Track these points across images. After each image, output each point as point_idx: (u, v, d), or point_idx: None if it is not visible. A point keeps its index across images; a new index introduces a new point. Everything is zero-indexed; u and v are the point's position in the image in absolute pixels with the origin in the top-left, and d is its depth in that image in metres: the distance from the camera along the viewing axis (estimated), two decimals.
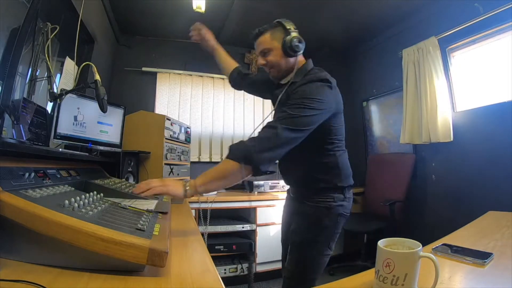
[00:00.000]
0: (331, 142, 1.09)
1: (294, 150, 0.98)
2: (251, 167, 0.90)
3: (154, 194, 0.85)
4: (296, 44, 1.10)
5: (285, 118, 0.93)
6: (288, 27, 1.11)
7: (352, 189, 1.19)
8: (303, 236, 1.11)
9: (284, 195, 1.38)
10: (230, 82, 1.45)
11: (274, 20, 1.19)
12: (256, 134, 0.97)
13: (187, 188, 0.88)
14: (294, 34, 1.11)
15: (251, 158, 0.89)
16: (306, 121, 0.95)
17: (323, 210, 1.09)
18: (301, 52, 1.14)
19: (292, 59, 1.13)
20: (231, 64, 1.45)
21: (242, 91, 1.51)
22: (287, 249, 1.16)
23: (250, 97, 3.18)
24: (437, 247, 0.80)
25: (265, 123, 1.00)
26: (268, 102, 3.44)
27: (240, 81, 1.40)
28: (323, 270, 1.12)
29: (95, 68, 1.18)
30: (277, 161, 1.12)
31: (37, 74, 1.40)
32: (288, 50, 1.09)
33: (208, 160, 2.97)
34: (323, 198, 1.11)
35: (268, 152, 0.91)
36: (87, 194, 0.77)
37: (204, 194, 0.90)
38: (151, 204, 0.97)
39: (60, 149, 1.32)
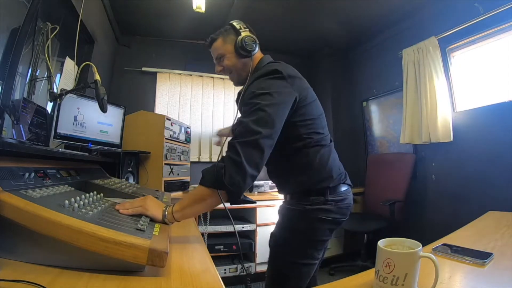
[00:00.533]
0: (298, 139, 0.97)
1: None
2: (225, 192, 0.80)
3: (133, 214, 0.74)
4: (248, 43, 1.03)
5: (241, 133, 0.82)
6: (238, 27, 1.04)
7: (341, 189, 1.05)
8: (276, 241, 1.03)
9: None
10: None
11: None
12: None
13: (166, 213, 0.79)
14: (244, 33, 1.04)
15: (222, 183, 0.78)
16: (265, 125, 0.82)
17: (296, 213, 0.99)
18: (256, 51, 1.06)
19: (248, 60, 1.06)
20: None
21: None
22: None
23: None
24: (437, 247, 0.80)
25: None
26: None
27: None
28: (306, 280, 0.98)
29: (95, 68, 1.18)
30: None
31: (37, 74, 1.40)
32: (240, 50, 1.03)
33: (208, 160, 2.97)
34: (298, 201, 1.00)
35: (237, 174, 0.79)
36: (87, 194, 0.77)
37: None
38: None
39: (60, 149, 1.32)
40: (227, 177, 0.77)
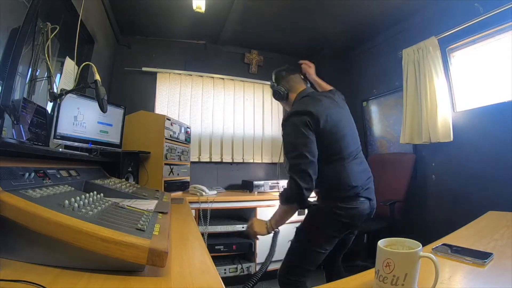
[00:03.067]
0: (318, 158, 1.21)
1: None
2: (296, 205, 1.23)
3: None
4: (276, 90, 1.42)
5: (291, 168, 1.18)
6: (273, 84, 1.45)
7: (354, 200, 1.25)
8: (300, 228, 1.33)
9: None
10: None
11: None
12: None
13: (268, 227, 1.29)
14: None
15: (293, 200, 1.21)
16: (304, 160, 1.16)
17: (318, 211, 1.30)
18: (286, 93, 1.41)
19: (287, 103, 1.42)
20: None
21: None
22: None
23: (250, 97, 3.18)
24: (437, 247, 0.80)
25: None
26: (268, 103, 3.43)
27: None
28: (314, 266, 1.27)
29: (95, 68, 1.18)
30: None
31: (37, 74, 1.40)
32: (280, 95, 1.41)
33: (208, 160, 2.97)
34: (321, 203, 1.32)
35: (298, 196, 1.16)
36: (87, 194, 0.77)
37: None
38: (151, 204, 0.97)
39: (60, 149, 1.32)
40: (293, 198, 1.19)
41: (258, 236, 1.35)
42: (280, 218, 1.27)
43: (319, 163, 1.21)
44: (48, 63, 1.36)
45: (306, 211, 1.34)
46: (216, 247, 2.23)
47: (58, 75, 1.61)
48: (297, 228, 1.33)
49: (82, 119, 1.46)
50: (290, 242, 1.32)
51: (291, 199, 1.19)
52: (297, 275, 1.27)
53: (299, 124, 1.18)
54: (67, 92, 1.24)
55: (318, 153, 1.20)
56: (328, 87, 1.69)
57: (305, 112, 1.20)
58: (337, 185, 1.23)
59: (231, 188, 3.02)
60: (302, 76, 1.51)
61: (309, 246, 1.26)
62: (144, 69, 2.89)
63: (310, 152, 1.16)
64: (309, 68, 1.65)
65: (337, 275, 1.49)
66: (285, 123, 1.23)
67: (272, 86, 1.43)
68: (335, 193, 1.24)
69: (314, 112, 1.19)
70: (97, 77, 1.17)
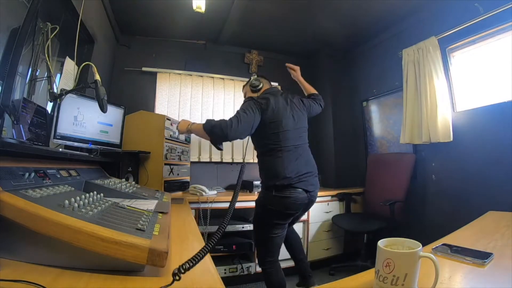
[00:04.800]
0: (261, 147, 1.56)
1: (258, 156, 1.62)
2: (210, 138, 1.42)
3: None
4: (254, 83, 1.72)
5: (228, 120, 1.40)
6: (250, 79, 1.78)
7: (287, 189, 1.46)
8: (253, 219, 1.63)
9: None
10: None
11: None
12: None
13: (188, 128, 1.51)
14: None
15: (213, 133, 1.40)
16: (236, 120, 1.41)
17: (260, 203, 1.56)
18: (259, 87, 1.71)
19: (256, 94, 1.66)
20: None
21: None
22: None
23: None
24: (437, 247, 0.80)
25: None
26: None
27: None
28: (277, 246, 1.56)
29: (95, 68, 1.18)
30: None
31: (37, 74, 1.40)
32: (250, 89, 1.73)
33: (208, 160, 2.97)
34: (262, 194, 1.57)
35: (217, 133, 1.38)
36: (87, 194, 0.77)
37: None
38: (151, 204, 0.97)
39: (60, 149, 1.32)
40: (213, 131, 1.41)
41: None
42: (196, 132, 1.50)
43: (261, 154, 1.58)
44: (48, 63, 1.36)
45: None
46: (216, 247, 2.23)
47: (58, 75, 1.61)
48: (252, 219, 1.64)
49: (82, 119, 1.46)
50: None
51: (212, 132, 1.39)
52: (268, 256, 1.54)
53: (252, 103, 1.50)
54: (67, 92, 1.24)
55: (261, 142, 1.55)
56: (311, 89, 1.94)
57: (262, 98, 1.55)
58: (273, 174, 1.48)
59: (231, 188, 3.02)
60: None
61: (263, 233, 1.53)
62: (144, 69, 2.89)
63: (245, 119, 1.41)
64: (293, 71, 1.95)
65: (290, 237, 1.83)
66: (243, 102, 1.55)
67: (254, 80, 1.74)
68: (271, 182, 1.48)
69: (268, 101, 1.51)
70: (97, 77, 1.17)
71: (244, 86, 1.87)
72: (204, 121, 1.44)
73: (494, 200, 1.84)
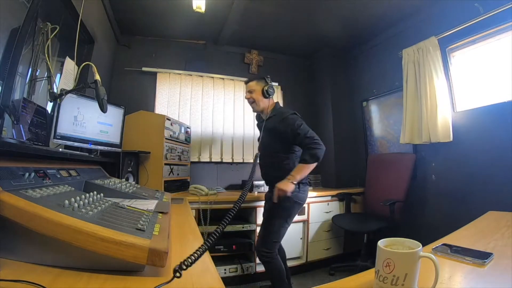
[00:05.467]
0: (291, 151, 1.79)
1: (273, 157, 1.81)
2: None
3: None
4: (270, 90, 1.85)
5: (314, 139, 1.67)
6: (267, 81, 1.87)
7: (305, 186, 1.81)
8: (272, 209, 1.77)
9: None
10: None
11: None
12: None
13: (292, 182, 1.65)
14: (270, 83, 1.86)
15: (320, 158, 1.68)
16: (316, 135, 1.71)
17: (283, 196, 1.67)
18: (272, 96, 1.88)
19: (268, 100, 1.88)
20: None
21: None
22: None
23: None
24: (437, 247, 0.80)
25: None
26: None
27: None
28: (282, 238, 1.78)
29: (95, 68, 1.18)
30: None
31: (37, 74, 1.40)
32: (267, 95, 1.86)
33: (208, 160, 2.97)
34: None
35: (322, 154, 1.68)
36: (87, 194, 0.77)
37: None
38: (151, 204, 0.97)
39: (60, 149, 1.32)
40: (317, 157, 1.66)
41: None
42: (304, 174, 1.68)
43: (286, 157, 1.78)
44: (48, 63, 1.36)
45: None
46: (216, 247, 2.22)
47: (58, 75, 1.61)
48: (268, 210, 1.81)
49: (82, 119, 1.46)
50: (262, 223, 1.82)
51: (319, 157, 1.65)
52: (272, 247, 1.72)
53: (302, 119, 1.77)
54: (67, 92, 1.24)
55: (289, 148, 1.77)
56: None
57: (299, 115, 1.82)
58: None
59: (231, 188, 3.02)
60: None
61: (285, 224, 1.74)
62: (144, 69, 2.89)
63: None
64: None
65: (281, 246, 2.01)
66: (291, 117, 1.76)
67: (272, 88, 1.87)
68: (302, 181, 1.74)
69: None
70: (97, 77, 1.17)
71: (254, 82, 1.89)
72: (294, 164, 1.74)
73: (494, 200, 1.84)
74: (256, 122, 2.10)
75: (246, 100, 1.96)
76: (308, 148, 1.65)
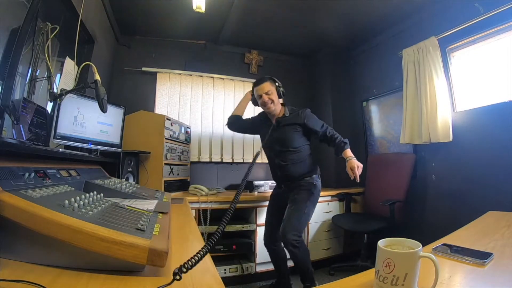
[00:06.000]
0: (307, 147, 1.93)
1: (295, 153, 1.87)
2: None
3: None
4: (283, 91, 1.94)
5: (334, 131, 1.87)
6: (278, 82, 1.94)
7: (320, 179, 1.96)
8: (302, 199, 1.81)
9: None
10: (231, 119, 2.14)
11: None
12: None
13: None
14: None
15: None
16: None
17: (315, 186, 1.86)
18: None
19: (280, 100, 1.95)
20: (241, 112, 2.15)
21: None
22: (271, 227, 1.96)
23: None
24: (437, 247, 0.80)
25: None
26: None
27: (237, 121, 2.12)
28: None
29: (95, 68, 1.18)
30: (282, 163, 1.91)
31: (37, 74, 1.40)
32: (282, 95, 1.93)
33: (208, 160, 2.97)
34: (313, 180, 1.89)
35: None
36: (87, 194, 0.77)
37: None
38: (151, 204, 0.97)
39: (60, 149, 1.32)
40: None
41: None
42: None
43: (308, 154, 1.91)
44: (48, 63, 1.36)
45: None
46: (216, 247, 2.22)
47: (58, 75, 1.61)
48: (297, 199, 1.80)
49: (82, 119, 1.46)
50: (291, 208, 1.78)
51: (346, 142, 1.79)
52: (303, 231, 1.78)
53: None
54: (67, 92, 1.24)
55: (307, 137, 1.92)
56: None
57: None
58: (317, 167, 1.95)
59: (231, 188, 3.02)
60: None
61: (311, 209, 1.82)
62: (144, 69, 2.89)
63: None
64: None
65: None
66: (310, 113, 1.91)
67: (279, 86, 1.93)
68: (318, 172, 1.93)
69: None
70: (97, 77, 1.17)
71: (268, 83, 1.90)
72: (338, 143, 1.80)
73: (494, 200, 1.84)
74: (253, 122, 2.11)
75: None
76: (336, 135, 1.81)
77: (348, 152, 1.74)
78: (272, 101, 1.87)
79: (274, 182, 2.13)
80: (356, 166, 1.67)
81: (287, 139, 1.86)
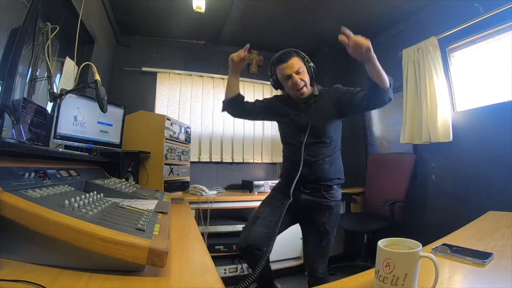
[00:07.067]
0: (339, 143, 1.47)
1: (327, 148, 1.40)
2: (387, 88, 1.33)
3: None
4: (314, 67, 1.45)
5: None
6: (305, 57, 1.43)
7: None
8: (333, 224, 1.40)
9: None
10: (232, 102, 1.52)
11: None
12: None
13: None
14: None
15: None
16: None
17: (338, 204, 1.43)
18: None
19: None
20: (237, 90, 1.54)
21: (242, 91, 1.63)
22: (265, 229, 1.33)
23: (250, 97, 3.18)
24: (437, 247, 0.80)
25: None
26: None
27: (241, 104, 1.54)
28: None
29: (95, 68, 1.18)
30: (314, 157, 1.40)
31: (37, 74, 1.40)
32: (313, 73, 1.45)
33: (208, 160, 2.97)
34: (338, 195, 1.43)
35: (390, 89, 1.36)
36: (87, 194, 0.77)
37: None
38: (151, 204, 0.97)
39: (60, 149, 1.32)
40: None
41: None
42: (377, 66, 1.35)
43: (338, 154, 1.46)
44: (48, 63, 1.36)
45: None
46: (216, 247, 2.23)
47: (58, 75, 1.61)
48: (328, 228, 1.37)
49: (82, 119, 1.46)
50: (323, 241, 1.39)
51: (390, 84, 1.34)
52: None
53: None
54: (67, 92, 1.24)
55: (339, 139, 1.49)
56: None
57: None
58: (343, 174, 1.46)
59: (231, 188, 3.02)
60: None
61: (334, 234, 1.43)
62: (144, 69, 2.89)
63: None
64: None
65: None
66: (341, 86, 1.57)
67: (308, 61, 1.46)
68: (342, 183, 1.45)
69: None
70: (97, 77, 1.17)
71: (296, 59, 1.39)
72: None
73: (494, 200, 1.84)
74: (268, 105, 1.56)
75: None
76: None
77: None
78: (305, 83, 1.39)
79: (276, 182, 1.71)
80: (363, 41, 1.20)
81: (321, 126, 1.40)
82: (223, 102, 1.54)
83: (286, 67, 1.37)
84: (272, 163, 3.28)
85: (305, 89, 1.40)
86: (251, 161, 3.15)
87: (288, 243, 2.20)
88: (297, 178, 1.30)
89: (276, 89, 1.54)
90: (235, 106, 1.53)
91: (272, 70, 1.48)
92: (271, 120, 1.66)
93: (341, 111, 1.44)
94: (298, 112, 1.45)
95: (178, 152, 2.40)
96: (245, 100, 1.55)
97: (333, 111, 1.42)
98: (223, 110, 1.56)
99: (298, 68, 1.37)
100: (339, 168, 1.44)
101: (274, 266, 2.32)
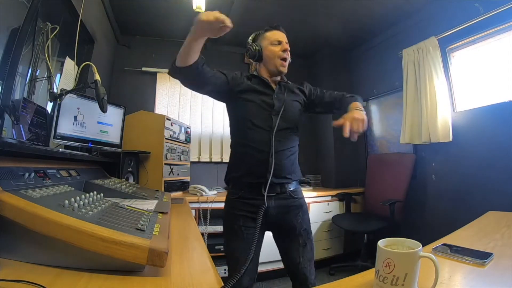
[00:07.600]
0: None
1: (294, 141, 1.24)
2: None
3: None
4: None
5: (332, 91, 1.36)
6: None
7: None
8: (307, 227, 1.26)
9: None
10: (191, 68, 1.20)
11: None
12: None
13: None
14: None
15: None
16: None
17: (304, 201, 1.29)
18: None
19: None
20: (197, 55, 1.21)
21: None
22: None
23: None
24: (437, 247, 0.80)
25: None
26: None
27: (200, 70, 1.25)
28: None
29: (95, 68, 1.18)
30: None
31: (37, 74, 1.40)
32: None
33: (208, 160, 2.97)
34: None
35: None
36: (87, 194, 0.77)
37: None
38: (151, 204, 0.97)
39: (60, 149, 1.32)
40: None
41: None
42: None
43: (298, 135, 1.33)
44: (48, 63, 1.36)
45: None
46: (216, 247, 2.22)
47: (58, 75, 1.61)
48: (307, 228, 1.24)
49: (82, 119, 1.46)
50: (307, 244, 1.23)
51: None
52: None
53: None
54: (67, 92, 1.24)
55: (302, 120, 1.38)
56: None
57: None
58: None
59: None
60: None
61: None
62: (144, 69, 2.89)
63: None
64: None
65: None
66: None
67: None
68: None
69: None
70: (97, 77, 1.17)
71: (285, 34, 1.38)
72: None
73: (494, 200, 1.84)
74: (234, 80, 1.31)
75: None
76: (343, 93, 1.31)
77: (358, 103, 1.13)
78: (289, 56, 1.31)
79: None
80: (362, 117, 1.00)
81: (293, 110, 1.27)
82: (176, 67, 1.19)
83: (279, 34, 1.31)
84: None
85: (286, 65, 1.30)
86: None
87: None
88: (271, 175, 1.09)
89: (254, 59, 1.35)
90: (194, 73, 1.22)
91: (256, 38, 1.38)
92: (228, 97, 1.30)
93: (304, 104, 1.34)
94: (270, 92, 1.27)
95: (178, 152, 2.40)
96: (205, 65, 1.24)
97: (300, 100, 1.31)
98: (173, 75, 1.23)
99: (287, 43, 1.31)
100: (297, 165, 1.26)
101: (269, 267, 2.32)
